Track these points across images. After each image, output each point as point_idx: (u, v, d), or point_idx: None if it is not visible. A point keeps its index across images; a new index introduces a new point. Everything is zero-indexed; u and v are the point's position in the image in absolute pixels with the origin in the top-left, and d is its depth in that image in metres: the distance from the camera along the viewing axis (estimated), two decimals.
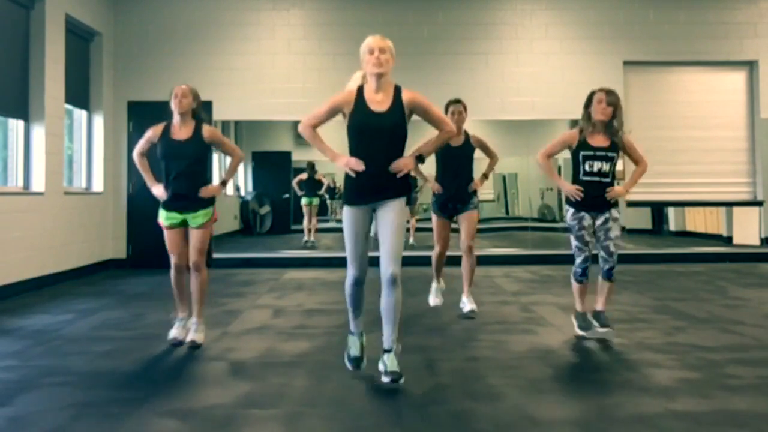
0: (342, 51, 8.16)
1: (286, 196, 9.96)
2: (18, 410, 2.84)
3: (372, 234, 3.25)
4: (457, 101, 4.85)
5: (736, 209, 8.80)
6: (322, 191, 9.65)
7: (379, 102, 3.13)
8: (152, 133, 3.98)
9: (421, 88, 8.93)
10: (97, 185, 7.84)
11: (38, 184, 6.46)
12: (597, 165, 3.94)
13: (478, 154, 4.96)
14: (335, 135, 3.59)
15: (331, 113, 3.19)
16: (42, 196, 6.44)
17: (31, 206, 6.26)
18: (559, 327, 4.44)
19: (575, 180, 4.02)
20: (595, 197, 3.96)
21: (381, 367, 3.05)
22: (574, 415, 2.74)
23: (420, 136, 3.50)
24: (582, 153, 3.96)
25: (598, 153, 3.94)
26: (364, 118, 3.12)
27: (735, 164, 8.53)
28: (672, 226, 9.66)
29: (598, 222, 4.01)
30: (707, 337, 4.13)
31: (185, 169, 3.89)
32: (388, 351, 3.09)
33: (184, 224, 3.96)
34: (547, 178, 4.62)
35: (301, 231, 9.40)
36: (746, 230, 8.69)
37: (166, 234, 3.98)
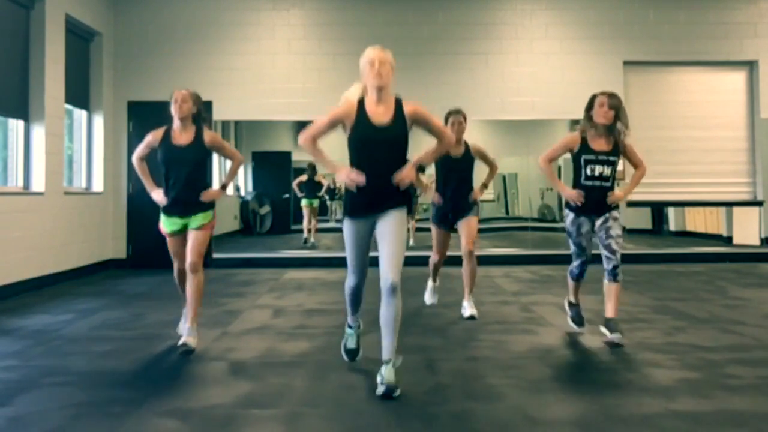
0: (342, 51, 8.16)
1: (286, 196, 9.96)
2: (18, 410, 2.84)
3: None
4: (458, 111, 4.80)
5: (736, 209, 8.80)
6: (322, 192, 9.65)
7: (380, 115, 3.11)
8: (152, 138, 3.94)
9: (421, 88, 8.94)
10: (97, 185, 7.85)
11: (38, 184, 6.46)
12: (598, 169, 3.92)
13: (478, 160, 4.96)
14: (336, 143, 3.54)
15: (333, 125, 3.17)
16: (42, 196, 6.44)
17: (31, 206, 6.26)
18: (559, 327, 4.44)
19: (576, 184, 4.01)
20: (596, 201, 3.96)
21: (379, 378, 3.04)
22: (574, 415, 2.74)
23: (418, 143, 3.48)
24: (584, 157, 3.94)
25: (600, 157, 3.92)
26: (367, 132, 3.10)
27: (735, 164, 8.53)
28: (672, 226, 9.66)
29: (598, 222, 4.00)
30: (707, 337, 4.13)
31: (186, 174, 3.86)
32: (386, 362, 3.04)
33: (185, 230, 3.94)
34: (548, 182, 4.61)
35: (301, 231, 9.41)
36: (746, 230, 8.69)
37: (169, 241, 3.97)
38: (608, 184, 3.96)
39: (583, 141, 3.97)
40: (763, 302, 5.42)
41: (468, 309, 4.79)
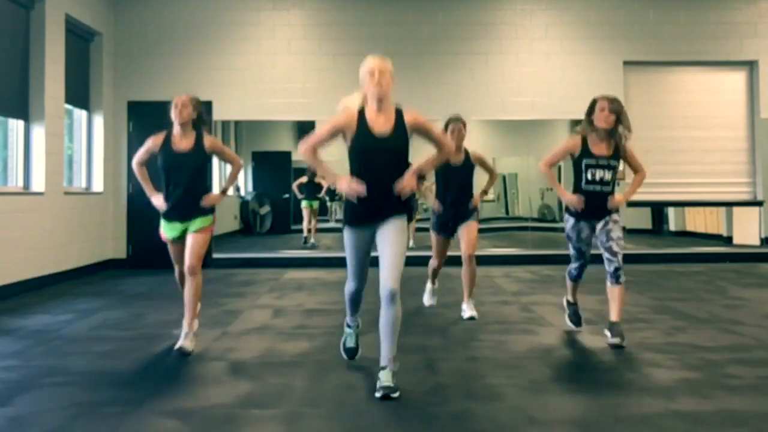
0: (342, 51, 8.16)
1: (286, 196, 9.95)
2: (18, 410, 2.84)
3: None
4: (457, 119, 4.78)
5: (736, 209, 8.80)
6: (322, 194, 9.65)
7: (381, 125, 3.10)
8: (152, 143, 3.91)
9: (421, 88, 8.93)
10: (97, 185, 7.85)
11: (38, 184, 6.46)
12: (599, 174, 3.91)
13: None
14: (335, 150, 3.50)
15: (333, 135, 3.15)
16: (42, 196, 6.44)
17: (31, 206, 6.26)
18: (559, 327, 4.44)
19: (576, 188, 3.99)
20: (596, 206, 3.94)
21: (378, 382, 3.04)
22: (574, 415, 2.74)
23: (418, 149, 3.47)
24: (584, 161, 3.93)
25: (601, 161, 3.91)
26: (367, 142, 3.08)
27: (735, 164, 8.53)
28: (672, 226, 9.67)
29: (599, 226, 3.99)
30: (707, 337, 4.13)
31: (186, 180, 3.84)
32: (383, 368, 3.03)
33: (185, 235, 3.92)
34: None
35: (301, 231, 9.41)
36: (746, 230, 8.69)
37: (170, 247, 3.97)
38: (609, 188, 3.95)
39: (584, 145, 3.94)
40: (763, 302, 5.42)
41: (468, 311, 4.79)
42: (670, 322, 4.59)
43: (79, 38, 7.56)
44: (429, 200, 4.90)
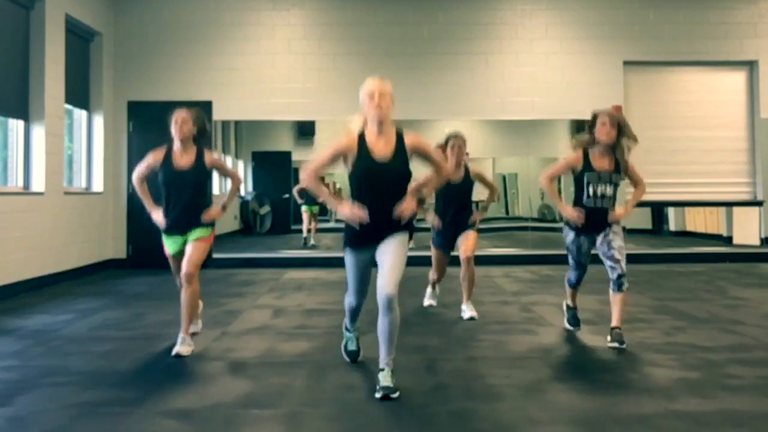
0: (342, 51, 8.16)
1: (286, 196, 9.95)
2: (18, 410, 2.84)
3: None
4: (457, 135, 4.78)
5: (736, 209, 8.80)
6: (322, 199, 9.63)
7: (381, 148, 3.09)
8: (153, 159, 3.89)
9: (421, 88, 8.93)
10: (97, 185, 7.84)
11: (38, 184, 6.46)
12: (600, 188, 3.88)
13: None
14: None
15: (334, 159, 3.15)
16: (42, 196, 6.44)
17: (31, 206, 6.26)
18: (559, 327, 4.44)
19: (577, 203, 3.97)
20: (597, 221, 3.92)
21: (377, 384, 3.04)
22: (574, 415, 2.74)
23: (417, 165, 3.47)
24: (586, 176, 3.90)
25: (603, 176, 3.88)
26: (369, 166, 3.07)
27: (735, 164, 8.53)
28: (672, 226, 9.66)
29: (599, 239, 3.97)
30: (707, 337, 4.13)
31: (187, 197, 3.83)
32: (382, 370, 3.04)
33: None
34: (549, 200, 4.61)
35: (301, 231, 9.41)
36: (746, 230, 8.69)
37: (171, 261, 3.98)
38: (610, 203, 3.93)
39: (586, 159, 3.91)
40: (763, 302, 5.42)
41: (468, 311, 4.79)
42: (670, 322, 4.59)
43: (79, 38, 7.56)
44: (429, 217, 4.90)
